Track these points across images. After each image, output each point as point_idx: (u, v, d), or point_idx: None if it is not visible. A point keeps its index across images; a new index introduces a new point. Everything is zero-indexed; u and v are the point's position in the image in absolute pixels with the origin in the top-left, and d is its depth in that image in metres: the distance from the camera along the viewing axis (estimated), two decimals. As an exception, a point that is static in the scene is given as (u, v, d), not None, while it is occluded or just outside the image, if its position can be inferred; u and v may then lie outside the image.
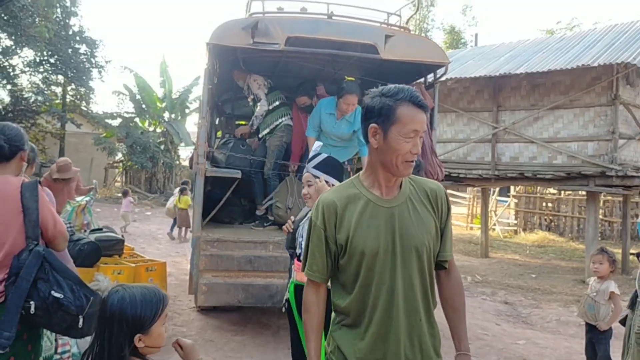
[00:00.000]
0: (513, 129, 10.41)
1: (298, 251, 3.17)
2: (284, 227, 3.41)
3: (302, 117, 5.90)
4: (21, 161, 2.75)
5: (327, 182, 3.09)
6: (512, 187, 17.66)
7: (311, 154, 3.21)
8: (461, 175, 11.11)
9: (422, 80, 5.89)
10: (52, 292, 2.49)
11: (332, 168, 3.16)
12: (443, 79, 5.92)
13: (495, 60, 11.23)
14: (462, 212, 19.49)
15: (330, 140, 5.54)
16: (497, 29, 60.04)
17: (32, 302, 2.44)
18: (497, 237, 16.69)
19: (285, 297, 3.33)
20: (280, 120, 5.90)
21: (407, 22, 5.76)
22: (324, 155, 3.18)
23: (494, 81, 10.53)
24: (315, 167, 3.11)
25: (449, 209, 2.02)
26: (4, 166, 2.66)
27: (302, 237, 3.06)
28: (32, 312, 2.45)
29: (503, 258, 12.85)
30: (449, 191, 18.60)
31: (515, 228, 17.58)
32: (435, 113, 5.60)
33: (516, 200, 17.87)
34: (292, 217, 3.43)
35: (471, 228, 18.42)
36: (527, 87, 10.29)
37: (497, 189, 17.59)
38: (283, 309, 3.34)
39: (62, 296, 2.51)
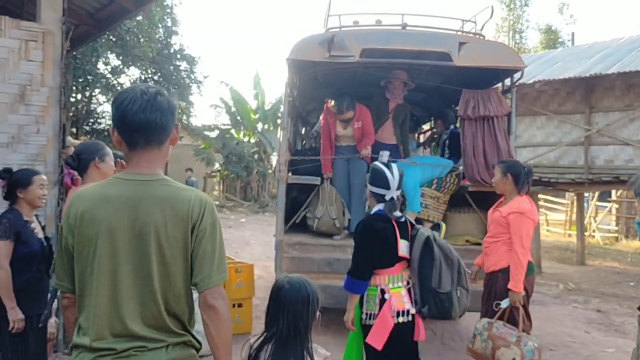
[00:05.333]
0: (607, 131, 9.96)
1: None
2: None
3: (330, 122, 6.02)
4: (97, 169, 3.29)
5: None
6: (613, 192, 16.71)
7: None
8: (552, 180, 10.75)
9: (499, 85, 5.89)
10: None
11: (371, 176, 3.40)
12: (521, 82, 5.88)
13: (586, 61, 10.78)
14: (560, 219, 18.69)
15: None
16: (596, 27, 56.66)
17: None
18: (597, 244, 15.86)
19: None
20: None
21: (482, 29, 5.80)
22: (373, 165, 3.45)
23: (586, 82, 10.11)
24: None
25: None
26: (84, 178, 3.29)
27: None
28: None
29: (601, 266, 12.24)
30: (542, 196, 17.91)
31: (617, 235, 16.60)
32: (513, 117, 5.57)
33: (617, 206, 16.88)
34: None
35: (569, 235, 17.60)
36: (621, 87, 9.80)
37: (597, 194, 16.71)
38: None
39: None
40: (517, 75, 5.51)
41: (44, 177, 3.56)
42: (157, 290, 1.82)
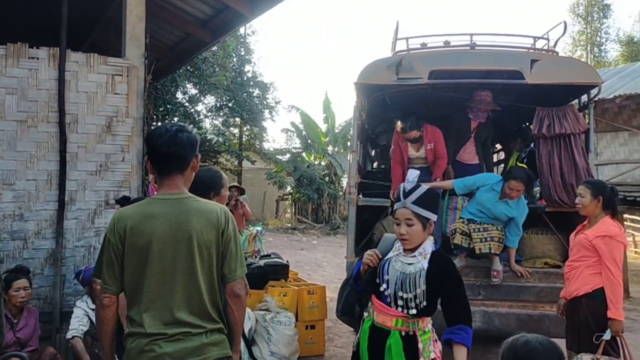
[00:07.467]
0: (698, 146, 9.38)
1: (381, 289, 2.83)
2: (366, 259, 2.90)
3: (402, 145, 5.91)
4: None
5: (429, 219, 2.79)
6: None
7: (408, 186, 2.84)
8: (638, 199, 10.20)
9: (575, 101, 5.71)
10: None
11: (431, 202, 2.82)
12: (600, 97, 5.68)
13: (671, 73, 10.25)
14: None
15: (480, 213, 5.18)
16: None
17: None
18: (692, 267, 14.80)
19: (356, 339, 2.97)
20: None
21: (555, 45, 5.66)
22: (424, 188, 2.81)
23: (671, 95, 9.61)
24: (415, 202, 2.76)
25: None
26: None
27: (388, 274, 2.81)
28: None
29: (696, 290, 11.39)
30: (627, 216, 16.91)
31: None
32: (591, 135, 5.36)
33: None
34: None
35: (659, 257, 16.55)
36: None
37: (690, 213, 15.64)
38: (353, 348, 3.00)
39: None
40: (594, 91, 5.32)
41: None
42: (200, 283, 2.27)
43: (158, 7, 6.94)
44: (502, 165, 8.28)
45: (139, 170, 5.27)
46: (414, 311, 2.71)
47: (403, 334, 2.74)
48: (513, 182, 4.94)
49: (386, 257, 2.88)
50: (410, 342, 2.73)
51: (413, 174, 2.99)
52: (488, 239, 5.05)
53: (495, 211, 5.07)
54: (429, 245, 2.82)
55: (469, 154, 6.29)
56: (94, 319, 4.43)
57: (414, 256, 2.80)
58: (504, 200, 5.05)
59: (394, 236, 2.96)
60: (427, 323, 2.83)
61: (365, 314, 2.92)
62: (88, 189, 5.18)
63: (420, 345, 2.73)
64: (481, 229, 5.11)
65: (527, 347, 1.92)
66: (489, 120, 6.27)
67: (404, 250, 2.84)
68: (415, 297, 2.71)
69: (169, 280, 2.24)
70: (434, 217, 2.80)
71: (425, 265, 2.75)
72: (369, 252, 2.92)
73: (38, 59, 5.05)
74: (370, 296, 2.91)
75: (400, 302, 2.74)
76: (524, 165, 6.51)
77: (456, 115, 6.31)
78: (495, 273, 5.09)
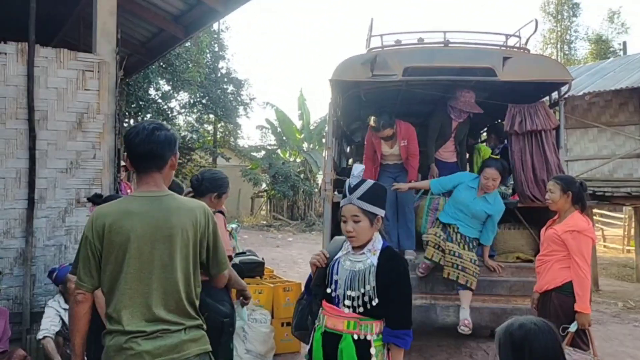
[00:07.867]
0: (664, 142, 9.62)
1: (328, 290, 2.72)
2: (313, 260, 2.81)
3: (375, 142, 5.92)
4: (210, 201, 3.63)
5: (376, 215, 2.68)
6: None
7: (353, 181, 2.73)
8: (607, 194, 10.38)
9: (546, 98, 5.80)
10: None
11: (378, 197, 2.71)
12: (570, 94, 5.77)
13: (638, 71, 10.48)
14: (617, 233, 17.98)
15: (459, 212, 5.20)
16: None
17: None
18: (658, 260, 15.16)
19: (307, 348, 2.82)
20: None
21: (526, 43, 5.74)
22: (369, 183, 2.72)
23: (639, 92, 9.83)
24: (361, 198, 2.65)
25: None
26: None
27: (337, 274, 2.71)
28: None
29: (663, 283, 11.70)
30: (597, 211, 17.29)
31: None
32: (562, 131, 5.46)
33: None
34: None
35: (628, 251, 16.90)
36: (677, 96, 9.48)
37: (656, 208, 16.01)
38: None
39: None
40: (564, 88, 5.42)
41: None
42: (178, 281, 2.28)
43: (129, 2, 6.83)
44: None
45: (111, 168, 5.18)
46: (361, 309, 2.61)
47: (355, 337, 2.60)
48: (488, 170, 5.00)
49: (335, 258, 2.77)
50: (363, 348, 2.59)
51: (358, 169, 2.85)
52: (460, 267, 4.95)
53: (474, 209, 5.09)
54: (378, 242, 2.71)
55: (449, 152, 6.36)
56: (66, 319, 4.36)
57: (363, 253, 2.69)
58: (482, 196, 5.09)
59: (343, 238, 2.83)
60: (382, 327, 2.66)
61: (317, 323, 2.76)
62: (58, 187, 5.08)
63: (373, 351, 2.59)
64: (456, 254, 5.01)
65: (523, 329, 1.95)
66: (468, 119, 6.34)
67: (353, 248, 2.74)
68: (364, 294, 2.60)
69: (146, 277, 2.24)
70: (381, 212, 2.70)
71: (375, 262, 2.65)
72: (316, 252, 2.82)
73: (6, 54, 4.93)
74: (321, 302, 2.78)
75: (347, 302, 2.63)
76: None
77: (438, 114, 6.33)
78: (466, 322, 4.88)
